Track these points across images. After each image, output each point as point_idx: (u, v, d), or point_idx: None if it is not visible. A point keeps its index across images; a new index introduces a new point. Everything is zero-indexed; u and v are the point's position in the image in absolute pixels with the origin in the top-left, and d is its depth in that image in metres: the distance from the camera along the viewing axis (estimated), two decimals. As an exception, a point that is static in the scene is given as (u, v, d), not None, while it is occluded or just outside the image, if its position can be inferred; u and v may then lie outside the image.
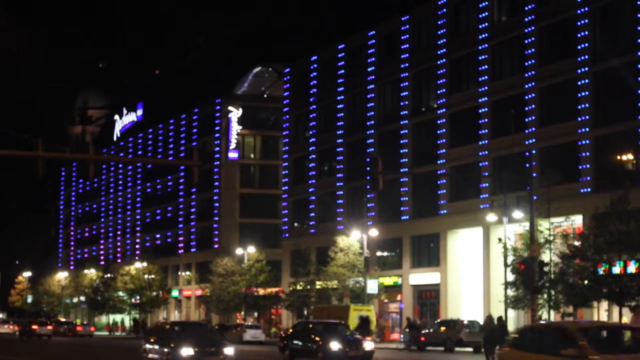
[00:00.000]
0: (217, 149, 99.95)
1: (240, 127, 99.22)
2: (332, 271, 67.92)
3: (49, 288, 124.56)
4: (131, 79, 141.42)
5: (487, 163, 63.33)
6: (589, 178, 55.64)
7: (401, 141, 71.63)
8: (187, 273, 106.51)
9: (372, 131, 74.91)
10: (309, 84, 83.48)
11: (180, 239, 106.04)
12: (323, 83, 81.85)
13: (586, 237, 47.21)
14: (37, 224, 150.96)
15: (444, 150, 67.55)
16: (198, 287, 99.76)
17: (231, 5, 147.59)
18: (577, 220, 52.88)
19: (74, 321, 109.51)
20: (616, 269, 45.31)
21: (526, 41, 61.05)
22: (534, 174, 50.10)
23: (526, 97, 60.67)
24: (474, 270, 64.69)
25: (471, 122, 64.84)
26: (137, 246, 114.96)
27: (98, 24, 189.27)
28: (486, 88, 64.14)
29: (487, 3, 64.61)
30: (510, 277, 50.41)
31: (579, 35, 57.15)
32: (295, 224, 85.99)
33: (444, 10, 68.48)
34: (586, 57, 56.56)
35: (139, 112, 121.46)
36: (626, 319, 42.98)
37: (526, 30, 61.03)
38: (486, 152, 63.34)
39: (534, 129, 59.73)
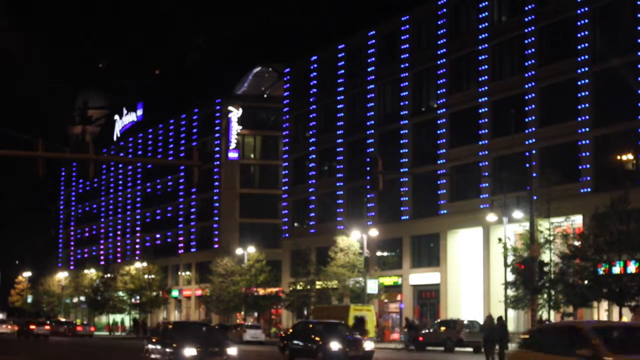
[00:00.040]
0: (217, 149, 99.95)
1: (240, 127, 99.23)
2: (332, 271, 67.91)
3: (49, 288, 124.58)
4: (131, 79, 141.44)
5: (487, 163, 63.34)
6: (589, 178, 55.65)
7: (401, 141, 71.64)
8: (187, 273, 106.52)
9: (372, 131, 74.91)
10: (309, 84, 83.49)
11: (180, 239, 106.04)
12: (323, 83, 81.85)
13: (586, 237, 47.22)
14: (37, 224, 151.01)
15: (444, 150, 67.55)
16: (198, 287, 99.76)
17: (231, 5, 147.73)
18: (577, 220, 52.88)
19: (74, 321, 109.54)
20: (616, 269, 45.32)
21: (526, 41, 61.06)
22: (534, 174, 50.09)
23: (526, 97, 60.67)
24: (474, 270, 64.69)
25: (471, 122, 64.84)
26: (137, 246, 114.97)
27: (98, 24, 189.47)
28: (486, 88, 64.14)
29: (487, 3, 64.62)
30: (510, 277, 50.41)
31: (579, 35, 57.15)
32: (295, 224, 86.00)
33: (444, 10, 68.48)
34: (586, 57, 56.57)
35: (139, 112, 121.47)
36: (626, 319, 42.99)
37: (526, 30, 61.03)
38: (486, 152, 63.34)
39: (534, 129, 59.73)
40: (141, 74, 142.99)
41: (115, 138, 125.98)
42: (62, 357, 47.02)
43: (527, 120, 60.32)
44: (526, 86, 60.73)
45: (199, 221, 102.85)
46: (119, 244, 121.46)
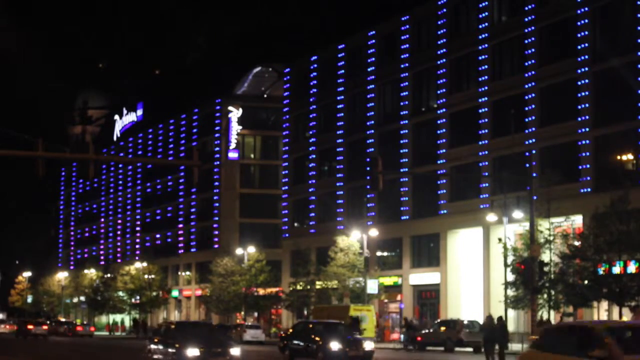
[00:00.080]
0: (217, 149, 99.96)
1: (240, 127, 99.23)
2: (332, 271, 67.91)
3: (49, 288, 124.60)
4: (131, 79, 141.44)
5: (487, 163, 63.33)
6: (589, 178, 55.64)
7: (401, 141, 71.63)
8: (187, 273, 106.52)
9: (372, 131, 74.91)
10: (309, 84, 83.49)
11: (180, 239, 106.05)
12: (323, 83, 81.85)
13: (586, 237, 47.22)
14: (37, 224, 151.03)
15: (444, 150, 67.54)
16: (198, 287, 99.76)
17: (231, 5, 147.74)
18: (577, 220, 52.88)
19: (74, 321, 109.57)
20: (616, 269, 45.31)
21: (526, 41, 61.05)
22: (534, 174, 50.11)
23: (526, 97, 60.67)
24: (474, 270, 64.69)
25: (471, 122, 64.84)
26: (137, 246, 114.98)
27: (98, 24, 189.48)
28: (486, 88, 64.14)
29: (487, 3, 64.61)
30: (510, 277, 50.41)
31: (579, 35, 57.15)
32: (295, 224, 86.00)
33: (444, 10, 68.48)
34: (586, 57, 56.56)
35: (139, 112, 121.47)
36: (626, 318, 42.96)
37: (526, 30, 61.03)
38: (486, 152, 63.34)
39: (534, 129, 59.73)
40: (141, 74, 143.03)
41: (115, 138, 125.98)
42: (62, 357, 47.00)
43: (527, 120, 60.32)
44: (526, 86, 60.73)
45: (199, 221, 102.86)
46: (119, 244, 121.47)
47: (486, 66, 64.43)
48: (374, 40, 75.44)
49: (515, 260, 49.35)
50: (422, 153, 70.05)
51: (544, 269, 45.37)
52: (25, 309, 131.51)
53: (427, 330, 59.04)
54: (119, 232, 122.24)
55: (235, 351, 32.20)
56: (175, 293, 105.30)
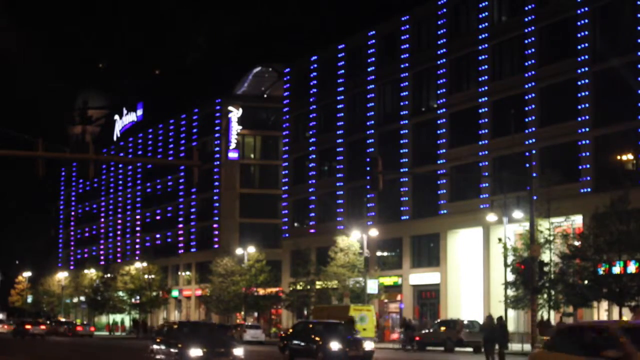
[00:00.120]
0: (217, 149, 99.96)
1: (240, 127, 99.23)
2: (332, 271, 67.91)
3: (49, 288, 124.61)
4: (131, 79, 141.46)
5: (487, 163, 63.33)
6: (589, 178, 55.64)
7: (401, 141, 71.63)
8: (187, 273, 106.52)
9: (372, 131, 74.91)
10: (309, 84, 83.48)
11: (180, 239, 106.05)
12: (323, 83, 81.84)
13: (586, 237, 47.23)
14: (37, 224, 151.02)
15: (444, 150, 67.54)
16: (198, 287, 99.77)
17: (231, 5, 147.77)
18: (577, 220, 52.88)
19: (74, 321, 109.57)
20: (616, 269, 45.32)
21: (526, 41, 61.05)
22: (534, 174, 50.13)
23: (526, 97, 60.66)
24: (474, 270, 64.69)
25: (471, 122, 64.84)
26: (137, 246, 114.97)
27: (98, 24, 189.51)
28: (486, 88, 64.14)
29: (487, 3, 64.61)
30: (510, 277, 50.41)
31: (579, 35, 57.14)
32: (295, 224, 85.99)
33: (444, 10, 68.47)
34: (586, 57, 56.56)
35: (139, 112, 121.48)
36: (626, 318, 42.96)
37: (526, 30, 61.03)
38: (486, 152, 63.33)
39: (534, 129, 59.73)
40: (141, 74, 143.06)
41: (115, 138, 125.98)
42: (62, 357, 46.99)
43: (527, 120, 60.32)
44: (526, 86, 60.72)
45: (199, 221, 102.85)
46: (119, 244, 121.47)
47: (486, 66, 64.42)
48: (374, 40, 75.43)
49: (515, 260, 49.36)
50: (422, 153, 70.04)
51: (544, 269, 45.40)
52: (25, 309, 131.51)
53: (427, 330, 59.04)
54: (119, 232, 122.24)
55: (238, 351, 32.04)
56: (175, 293, 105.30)
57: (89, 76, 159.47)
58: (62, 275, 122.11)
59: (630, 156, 54.13)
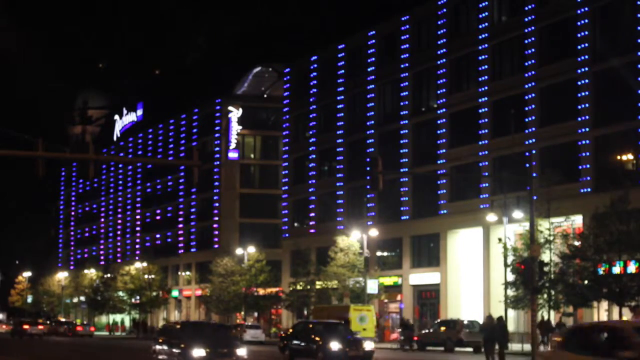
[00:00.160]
0: (217, 149, 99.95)
1: (240, 127, 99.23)
2: (332, 271, 67.90)
3: (49, 288, 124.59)
4: (131, 79, 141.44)
5: (487, 163, 63.33)
6: (589, 178, 55.64)
7: (401, 141, 71.63)
8: (187, 273, 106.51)
9: (372, 131, 74.90)
10: (309, 84, 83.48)
11: (180, 239, 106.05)
12: (323, 83, 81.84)
13: (586, 237, 47.24)
14: (37, 224, 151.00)
15: (444, 150, 67.54)
16: (198, 287, 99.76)
17: (231, 5, 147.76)
18: (577, 220, 52.89)
19: (74, 321, 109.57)
20: (616, 269, 45.33)
21: (526, 41, 61.05)
22: (534, 174, 50.06)
23: (526, 97, 60.67)
24: (474, 270, 64.68)
25: (471, 122, 64.84)
26: (137, 246, 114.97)
27: (98, 24, 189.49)
28: (486, 88, 64.14)
29: (487, 3, 64.61)
30: (510, 277, 50.43)
31: (579, 35, 57.15)
32: (295, 224, 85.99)
33: (444, 10, 68.47)
34: (586, 57, 56.56)
35: (139, 112, 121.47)
36: (626, 318, 42.98)
37: (526, 30, 61.03)
38: (486, 152, 63.33)
39: (534, 129, 59.73)
40: (141, 74, 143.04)
41: (115, 138, 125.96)
42: (62, 357, 47.00)
43: (527, 120, 60.32)
44: (526, 86, 60.72)
45: (199, 221, 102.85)
46: (119, 244, 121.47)
47: (486, 66, 64.42)
48: (374, 40, 75.43)
49: (515, 260, 49.37)
50: (422, 153, 70.04)
51: (544, 269, 45.30)
52: (26, 309, 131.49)
53: (427, 330, 59.04)
54: (119, 232, 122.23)
55: (241, 352, 31.89)
56: (175, 293, 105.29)
57: (89, 76, 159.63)
58: (62, 275, 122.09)
59: (630, 156, 54.13)
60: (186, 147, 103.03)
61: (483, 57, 64.57)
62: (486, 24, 64.69)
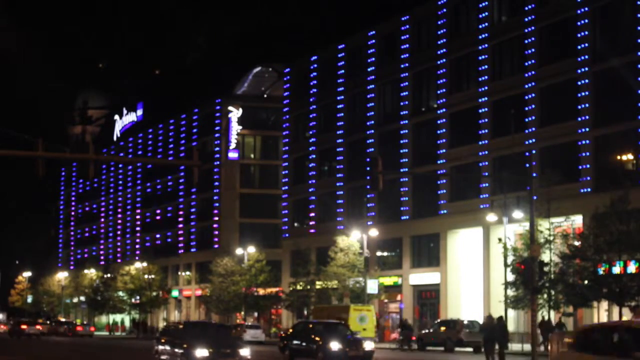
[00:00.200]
0: (217, 149, 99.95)
1: (240, 127, 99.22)
2: (332, 271, 67.89)
3: (49, 288, 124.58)
4: (131, 79, 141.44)
5: (487, 163, 63.32)
6: (589, 178, 55.64)
7: (401, 141, 71.63)
8: (187, 273, 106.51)
9: (372, 131, 74.90)
10: (309, 84, 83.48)
11: (180, 239, 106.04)
12: (323, 83, 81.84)
13: (586, 237, 47.23)
14: (37, 224, 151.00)
15: (444, 150, 67.54)
16: (198, 287, 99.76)
17: (231, 5, 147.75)
18: (577, 220, 52.89)
19: (74, 321, 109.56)
20: (616, 269, 45.33)
21: (526, 41, 61.05)
22: (534, 174, 50.02)
23: (526, 97, 60.66)
24: (474, 270, 64.68)
25: (471, 122, 64.83)
26: (137, 246, 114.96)
27: (98, 24, 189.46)
28: (486, 88, 64.13)
29: (487, 3, 64.61)
30: (510, 277, 50.42)
31: (579, 35, 57.14)
32: (295, 224, 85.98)
33: (444, 10, 68.47)
34: (586, 57, 56.56)
35: (139, 112, 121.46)
36: (626, 319, 42.97)
37: (526, 30, 61.02)
38: (486, 152, 63.33)
39: (534, 129, 59.72)
40: (141, 74, 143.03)
41: (115, 138, 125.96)
42: (62, 357, 46.99)
43: (527, 120, 60.31)
44: (526, 86, 60.72)
45: (199, 221, 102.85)
46: (119, 244, 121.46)
47: (486, 66, 64.42)
48: (374, 40, 75.43)
49: (515, 260, 49.36)
50: (422, 153, 70.04)
51: (544, 269, 45.25)
52: (26, 309, 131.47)
53: (427, 330, 59.03)
54: (119, 232, 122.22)
55: (244, 352, 31.75)
56: (175, 293, 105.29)
57: (89, 76, 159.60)
58: (62, 275, 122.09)
59: (630, 156, 54.13)
60: (186, 147, 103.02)
61: (483, 57, 64.57)
62: (486, 24, 64.68)
